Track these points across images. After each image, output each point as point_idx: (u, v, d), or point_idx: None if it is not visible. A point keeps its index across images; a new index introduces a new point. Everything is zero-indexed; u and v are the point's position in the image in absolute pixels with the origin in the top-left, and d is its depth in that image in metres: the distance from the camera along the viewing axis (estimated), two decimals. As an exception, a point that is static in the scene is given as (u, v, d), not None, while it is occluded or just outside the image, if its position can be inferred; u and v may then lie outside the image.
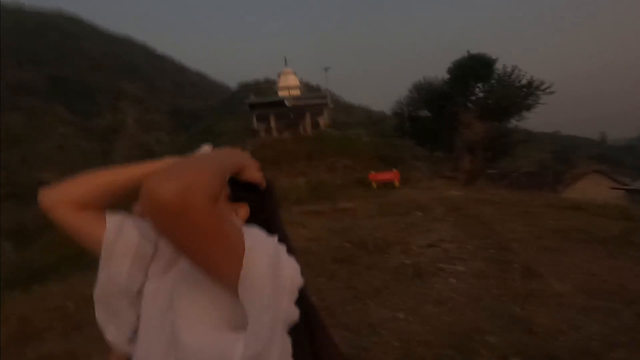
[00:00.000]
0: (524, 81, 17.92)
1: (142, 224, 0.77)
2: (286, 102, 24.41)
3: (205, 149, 0.79)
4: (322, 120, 27.30)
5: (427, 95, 21.45)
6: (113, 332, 0.77)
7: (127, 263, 0.73)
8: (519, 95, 17.68)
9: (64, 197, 0.73)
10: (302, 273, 0.62)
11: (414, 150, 24.43)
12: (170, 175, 0.47)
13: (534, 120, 19.67)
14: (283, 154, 20.50)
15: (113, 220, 0.75)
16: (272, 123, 26.13)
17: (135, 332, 0.75)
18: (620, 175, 19.50)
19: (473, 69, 18.49)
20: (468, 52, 19.47)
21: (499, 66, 18.80)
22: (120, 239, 0.74)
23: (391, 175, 14.33)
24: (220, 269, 0.53)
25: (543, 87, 17.58)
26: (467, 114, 17.11)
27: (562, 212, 7.78)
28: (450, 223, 7.12)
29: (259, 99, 26.08)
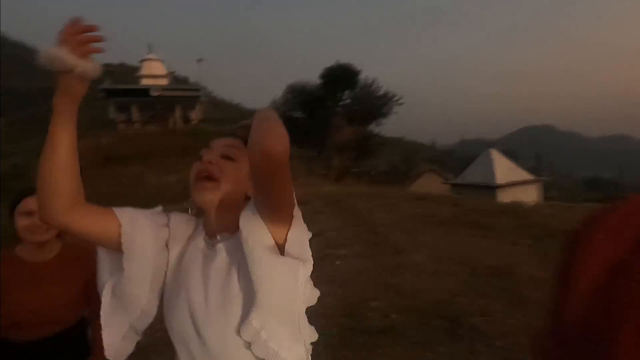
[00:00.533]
0: (381, 92, 20.94)
1: (151, 212, 0.83)
2: (151, 92, 22.08)
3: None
4: (194, 114, 25.74)
5: (301, 97, 22.71)
6: (115, 328, 0.81)
7: (150, 248, 0.78)
8: (377, 104, 20.54)
9: (51, 211, 0.71)
10: None
11: (290, 150, 25.43)
12: (279, 135, 0.63)
13: (386, 126, 23.20)
14: (150, 148, 18.53)
15: (125, 214, 0.78)
16: (135, 114, 23.25)
17: (134, 327, 0.81)
18: (446, 173, 24.75)
19: (341, 76, 20.54)
20: (337, 61, 21.54)
21: (362, 76, 21.43)
22: (137, 230, 0.77)
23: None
24: (287, 202, 0.69)
25: (395, 98, 20.92)
26: (337, 118, 18.92)
27: (412, 202, 9.53)
28: (329, 214, 7.89)
29: (118, 85, 22.78)
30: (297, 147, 24.45)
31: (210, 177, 0.77)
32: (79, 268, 1.38)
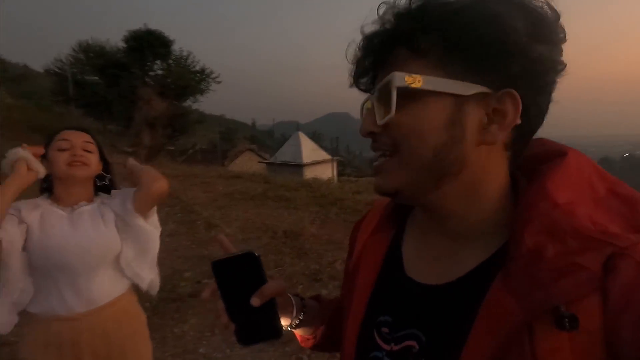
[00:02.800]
0: (197, 67, 20.06)
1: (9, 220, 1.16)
2: None
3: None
4: None
5: (97, 60, 19.12)
6: (3, 310, 1.18)
7: (18, 236, 1.17)
8: (194, 79, 19.62)
9: None
10: None
11: (82, 122, 21.23)
12: (164, 181, 1.32)
13: (206, 103, 22.58)
14: None
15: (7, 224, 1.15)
16: None
17: (21, 299, 1.21)
18: (264, 153, 26.46)
19: (151, 44, 18.46)
20: (145, 25, 19.13)
21: (176, 47, 19.85)
22: (12, 228, 1.15)
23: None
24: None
25: (213, 75, 20.49)
26: (147, 89, 17.07)
27: (228, 180, 10.03)
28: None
29: None
30: (97, 120, 20.64)
31: (83, 163, 1.24)
32: None
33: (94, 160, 1.29)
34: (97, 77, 19.71)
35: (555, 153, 0.45)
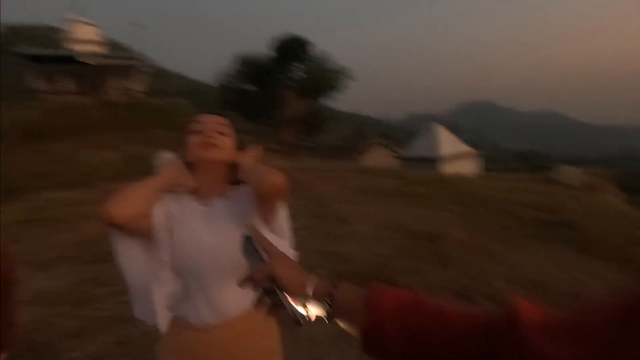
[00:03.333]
0: (332, 66, 20.84)
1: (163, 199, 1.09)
2: (81, 58, 20.01)
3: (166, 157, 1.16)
4: (135, 86, 23.85)
5: (252, 70, 21.93)
6: (147, 306, 1.08)
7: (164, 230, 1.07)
8: (328, 77, 20.47)
9: (130, 211, 0.97)
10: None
11: (240, 124, 24.77)
12: (280, 173, 1.03)
13: (340, 101, 23.36)
14: (84, 122, 16.96)
15: (157, 213, 1.06)
16: (63, 83, 21.00)
17: (168, 298, 1.08)
18: (395, 147, 25.76)
19: (292, 49, 20.07)
20: (287, 32, 20.94)
21: (313, 49, 21.09)
22: (160, 217, 1.06)
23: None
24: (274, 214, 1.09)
25: (347, 72, 20.96)
26: (288, 91, 18.64)
27: (360, 175, 9.91)
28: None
29: (42, 50, 20.29)
30: (248, 121, 23.87)
31: (215, 145, 1.08)
32: None
33: (227, 143, 1.13)
34: (250, 85, 22.64)
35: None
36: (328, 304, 0.55)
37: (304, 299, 0.56)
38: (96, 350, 2.59)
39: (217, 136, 1.10)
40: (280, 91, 19.02)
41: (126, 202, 0.97)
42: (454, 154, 17.38)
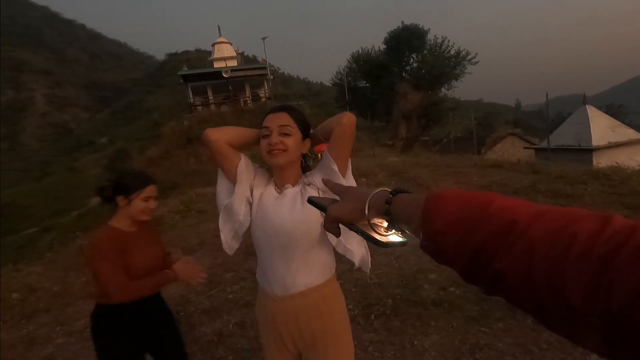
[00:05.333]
0: (452, 52, 19.19)
1: (252, 164, 1.31)
2: (223, 74, 23.36)
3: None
4: (262, 92, 26.69)
5: (365, 66, 21.98)
6: (226, 232, 1.29)
7: (248, 182, 1.27)
8: (448, 65, 18.94)
9: (221, 137, 1.24)
10: None
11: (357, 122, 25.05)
12: (342, 114, 1.19)
13: (461, 89, 21.36)
14: (224, 128, 19.82)
15: (244, 157, 1.28)
16: (210, 95, 24.94)
17: (239, 232, 1.28)
18: (531, 137, 22.22)
19: (407, 39, 19.28)
20: (402, 22, 20.19)
21: (430, 37, 19.82)
22: (247, 167, 1.26)
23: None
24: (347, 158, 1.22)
25: (469, 57, 19.02)
26: (403, 84, 17.99)
27: (485, 170, 8.83)
28: (392, 186, 7.72)
29: (193, 70, 24.55)
30: (364, 119, 24.04)
31: (280, 150, 1.20)
32: (156, 236, 1.77)
33: (292, 143, 1.23)
34: (364, 82, 22.71)
35: None
36: (388, 217, 0.53)
37: (371, 224, 0.57)
38: (220, 328, 2.94)
39: (280, 141, 1.20)
40: (395, 85, 18.48)
41: (221, 131, 1.26)
42: (613, 142, 13.94)
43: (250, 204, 1.27)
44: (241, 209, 1.26)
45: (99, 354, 1.59)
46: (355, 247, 1.28)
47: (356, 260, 1.28)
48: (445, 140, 22.58)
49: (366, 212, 0.56)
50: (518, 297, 0.36)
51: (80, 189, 29.64)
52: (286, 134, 1.21)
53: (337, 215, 0.60)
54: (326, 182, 0.72)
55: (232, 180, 1.27)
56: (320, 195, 1.19)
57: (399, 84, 18.10)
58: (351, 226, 0.59)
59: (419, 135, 19.30)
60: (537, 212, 0.37)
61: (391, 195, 0.54)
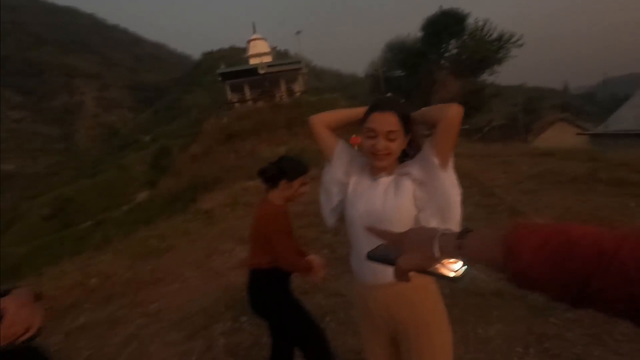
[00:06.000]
0: (494, 35, 18.26)
1: (350, 149, 1.38)
2: (259, 70, 23.80)
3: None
4: (297, 87, 26.91)
5: (400, 55, 21.47)
6: (326, 207, 1.38)
7: (344, 165, 1.34)
8: (490, 49, 18.06)
9: (320, 121, 1.35)
10: None
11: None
12: (448, 105, 1.14)
13: (502, 74, 20.31)
14: (261, 123, 20.31)
15: (342, 142, 1.38)
16: (247, 92, 25.53)
17: (336, 209, 1.37)
18: (583, 122, 20.76)
19: (446, 25, 18.57)
20: (440, 7, 19.45)
21: (470, 20, 18.95)
22: (343, 152, 1.35)
23: (356, 140, 14.64)
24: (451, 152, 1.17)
25: (513, 39, 18.01)
26: (442, 72, 17.42)
27: (535, 158, 8.42)
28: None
29: (230, 68, 25.21)
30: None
31: (385, 154, 1.22)
32: None
33: (397, 147, 1.24)
34: (400, 71, 22.20)
35: None
36: (462, 257, 0.56)
37: (440, 263, 0.60)
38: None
39: (386, 147, 1.21)
40: (433, 73, 17.90)
41: (321, 115, 1.37)
42: (683, 125, 12.70)
43: (345, 188, 1.34)
44: (332, 189, 1.35)
45: (287, 307, 1.85)
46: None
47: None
48: (487, 128, 21.63)
49: (438, 258, 0.59)
50: (619, 309, 0.42)
51: (129, 185, 31.63)
52: (392, 140, 1.21)
53: (410, 268, 0.63)
54: (372, 229, 0.73)
55: (330, 162, 1.37)
56: (413, 187, 1.21)
57: (437, 72, 17.52)
58: (423, 272, 0.61)
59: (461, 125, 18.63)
60: (619, 236, 0.42)
61: (461, 237, 0.57)
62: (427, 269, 0.61)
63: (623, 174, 5.61)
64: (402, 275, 0.65)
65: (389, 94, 1.49)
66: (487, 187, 6.15)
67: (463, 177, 7.27)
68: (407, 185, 1.22)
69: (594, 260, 0.42)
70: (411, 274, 1.12)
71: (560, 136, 17.32)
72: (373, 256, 0.69)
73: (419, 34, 20.17)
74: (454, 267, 0.60)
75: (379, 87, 23.28)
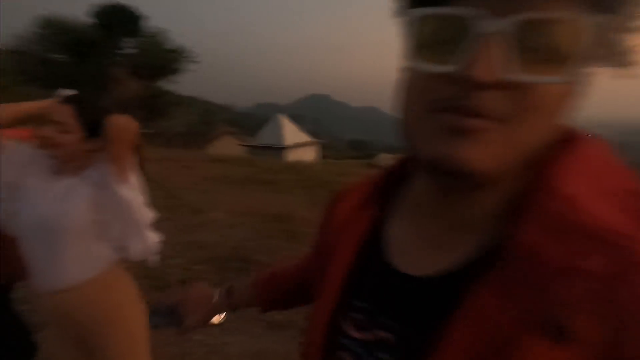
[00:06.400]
0: (172, 46, 19.14)
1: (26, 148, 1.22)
2: None
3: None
4: None
5: (64, 37, 17.88)
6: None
7: (16, 166, 1.18)
8: (168, 58, 18.75)
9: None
10: None
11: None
12: (122, 118, 1.17)
13: (183, 84, 21.76)
14: None
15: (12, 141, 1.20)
16: None
17: (11, 214, 1.18)
18: (244, 135, 25.97)
19: (120, 20, 17.42)
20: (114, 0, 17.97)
21: (151, 25, 18.81)
22: (15, 152, 1.19)
23: (26, 133, 11.36)
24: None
25: (189, 54, 19.63)
26: (118, 69, 16.20)
27: (210, 164, 9.79)
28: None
29: None
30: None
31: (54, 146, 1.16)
32: None
33: (67, 141, 1.18)
34: (64, 55, 18.49)
35: (567, 137, 0.37)
36: (230, 308, 0.75)
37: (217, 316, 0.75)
38: None
39: (56, 138, 1.15)
40: (109, 68, 16.29)
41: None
42: (297, 143, 18.92)
43: (17, 192, 1.19)
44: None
45: None
46: (134, 242, 1.25)
47: (135, 256, 1.26)
48: (168, 134, 22.29)
49: (220, 316, 0.75)
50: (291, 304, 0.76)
51: None
52: (65, 132, 1.17)
53: (197, 327, 0.72)
54: (161, 300, 0.76)
55: None
56: (93, 192, 1.19)
57: (113, 68, 16.10)
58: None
59: (140, 127, 18.03)
60: (290, 266, 0.76)
61: (229, 293, 0.75)
62: (207, 323, 0.72)
63: (267, 176, 7.71)
64: (186, 333, 0.71)
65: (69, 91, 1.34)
66: (171, 189, 6.54)
67: (148, 181, 7.32)
68: (84, 190, 1.19)
69: (289, 284, 0.71)
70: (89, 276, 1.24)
71: (228, 146, 20.90)
72: (157, 323, 0.71)
73: (88, 20, 17.67)
74: (220, 315, 0.74)
75: (34, 68, 18.22)
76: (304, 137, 20.35)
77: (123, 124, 1.15)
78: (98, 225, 1.20)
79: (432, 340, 0.35)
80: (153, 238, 1.29)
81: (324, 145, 33.17)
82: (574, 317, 0.29)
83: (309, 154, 18.07)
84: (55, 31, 18.15)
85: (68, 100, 1.19)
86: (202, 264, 3.64)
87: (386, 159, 19.19)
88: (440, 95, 0.32)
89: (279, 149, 17.98)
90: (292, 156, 16.06)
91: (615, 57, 0.33)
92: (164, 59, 18.59)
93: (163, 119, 21.40)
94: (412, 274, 0.41)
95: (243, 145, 21.11)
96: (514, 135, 0.31)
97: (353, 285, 0.46)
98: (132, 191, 1.19)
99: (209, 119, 33.22)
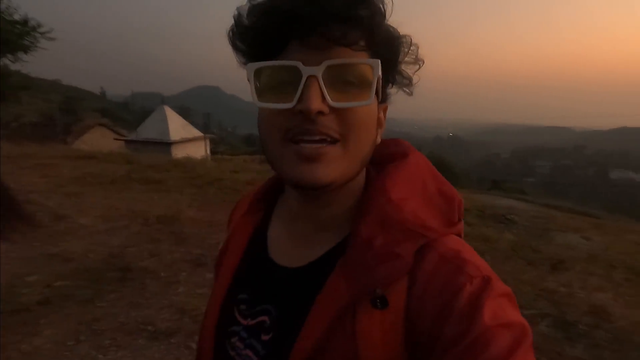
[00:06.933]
0: (17, 17, 15.61)
1: None
2: None
3: None
4: None
5: None
6: None
7: None
8: (13, 31, 15.25)
9: None
10: None
11: None
12: None
13: (34, 65, 17.91)
14: None
15: None
16: None
17: None
18: (119, 128, 22.91)
19: None
20: None
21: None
22: None
23: None
24: None
25: (41, 29, 16.30)
26: None
27: (77, 161, 8.43)
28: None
29: None
30: None
31: None
32: None
33: None
34: None
35: (401, 154, 0.52)
36: None
37: None
38: None
39: None
40: None
41: None
42: (185, 138, 17.66)
43: None
44: None
45: None
46: None
47: None
48: (14, 124, 18.13)
49: None
50: None
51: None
52: None
53: None
54: None
55: None
56: None
57: None
58: None
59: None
60: None
61: None
62: None
63: (150, 174, 7.06)
64: None
65: None
66: (23, 192, 5.44)
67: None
68: None
69: None
70: None
71: (100, 140, 18.12)
72: None
73: None
74: None
75: None
76: (192, 132, 19.07)
77: None
78: None
79: (300, 319, 0.45)
80: None
81: (216, 141, 31.78)
82: (390, 289, 0.41)
83: (198, 150, 17.07)
84: None
85: None
86: (68, 278, 3.19)
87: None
88: (289, 125, 0.41)
89: (165, 144, 16.50)
90: (180, 152, 14.94)
91: (400, 81, 0.49)
92: (6, 32, 15.03)
93: (7, 105, 17.31)
94: (287, 266, 0.51)
95: (120, 139, 18.65)
96: (349, 150, 0.43)
97: (240, 280, 0.54)
98: None
99: (72, 107, 28.41)
